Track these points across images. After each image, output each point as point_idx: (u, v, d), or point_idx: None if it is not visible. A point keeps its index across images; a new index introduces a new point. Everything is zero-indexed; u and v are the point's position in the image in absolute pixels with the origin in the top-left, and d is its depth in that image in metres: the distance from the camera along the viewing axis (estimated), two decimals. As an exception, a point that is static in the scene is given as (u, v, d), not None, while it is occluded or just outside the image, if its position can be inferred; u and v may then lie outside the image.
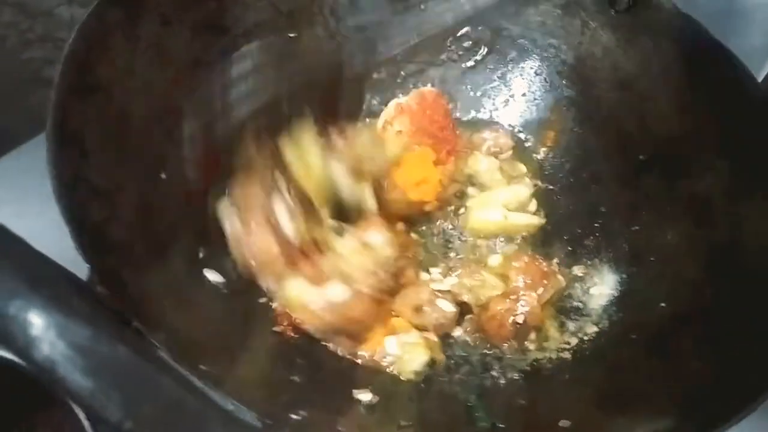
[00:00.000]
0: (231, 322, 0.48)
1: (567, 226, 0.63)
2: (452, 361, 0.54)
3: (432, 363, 0.52)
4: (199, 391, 0.21)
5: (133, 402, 0.19)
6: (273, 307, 0.52)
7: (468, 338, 0.55)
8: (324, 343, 0.52)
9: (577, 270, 0.60)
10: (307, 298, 0.50)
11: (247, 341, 0.48)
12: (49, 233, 0.38)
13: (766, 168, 0.52)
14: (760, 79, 0.66)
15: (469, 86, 0.70)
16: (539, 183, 0.66)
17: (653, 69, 0.60)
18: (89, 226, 0.39)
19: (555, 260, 0.60)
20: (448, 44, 0.67)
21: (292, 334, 0.51)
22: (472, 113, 0.70)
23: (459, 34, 0.68)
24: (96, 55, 0.47)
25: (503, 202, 0.62)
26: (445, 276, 0.58)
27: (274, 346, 0.49)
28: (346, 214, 0.56)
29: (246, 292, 0.52)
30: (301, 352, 0.50)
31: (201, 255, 0.50)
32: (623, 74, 0.63)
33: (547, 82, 0.68)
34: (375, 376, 0.51)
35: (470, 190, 0.65)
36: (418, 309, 0.54)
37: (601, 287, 0.58)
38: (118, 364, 0.19)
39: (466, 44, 0.67)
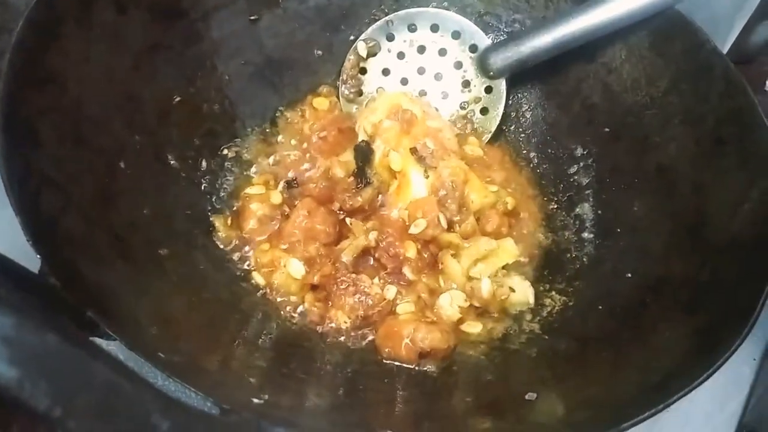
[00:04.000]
0: (194, 311, 0.48)
1: (536, 201, 0.63)
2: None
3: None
4: (137, 377, 0.21)
5: (63, 390, 0.19)
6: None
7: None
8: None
9: (546, 242, 0.61)
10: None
11: (211, 330, 0.47)
12: (9, 226, 0.37)
13: (729, 138, 0.52)
14: (725, 51, 0.66)
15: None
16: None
17: (617, 41, 0.60)
18: (41, 218, 0.39)
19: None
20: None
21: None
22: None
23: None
24: (46, 44, 0.46)
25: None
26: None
27: (237, 332, 0.49)
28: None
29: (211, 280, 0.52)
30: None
31: (163, 251, 0.50)
32: (588, 46, 0.62)
33: (512, 57, 0.68)
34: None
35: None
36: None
37: (569, 258, 0.59)
38: (45, 353, 0.19)
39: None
